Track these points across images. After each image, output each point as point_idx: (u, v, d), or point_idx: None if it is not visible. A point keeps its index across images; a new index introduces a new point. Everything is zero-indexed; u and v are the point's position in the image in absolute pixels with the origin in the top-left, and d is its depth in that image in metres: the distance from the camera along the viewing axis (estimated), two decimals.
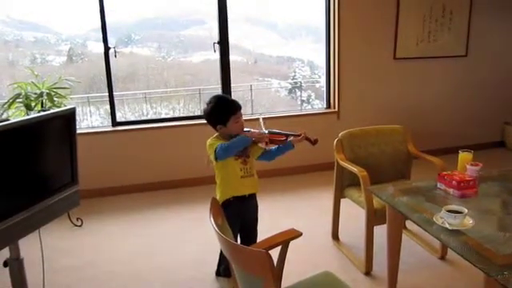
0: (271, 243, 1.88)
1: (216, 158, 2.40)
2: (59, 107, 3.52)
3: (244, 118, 2.56)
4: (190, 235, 3.51)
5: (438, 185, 2.34)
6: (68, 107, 1.98)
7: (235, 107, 2.48)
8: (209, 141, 2.49)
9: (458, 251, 1.73)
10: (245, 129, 2.51)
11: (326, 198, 3.60)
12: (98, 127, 4.64)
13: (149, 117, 5.97)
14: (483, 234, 1.83)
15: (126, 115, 5.89)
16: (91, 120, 5.74)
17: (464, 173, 2.34)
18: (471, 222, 1.88)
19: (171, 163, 4.52)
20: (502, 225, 2.00)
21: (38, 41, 6.13)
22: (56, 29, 6.20)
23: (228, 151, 2.39)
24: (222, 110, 2.47)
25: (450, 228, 1.84)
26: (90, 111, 5.77)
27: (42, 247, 2.12)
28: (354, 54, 4.82)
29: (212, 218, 1.57)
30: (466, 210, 1.88)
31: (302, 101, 7.26)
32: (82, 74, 5.78)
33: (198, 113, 5.81)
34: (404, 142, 3.23)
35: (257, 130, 2.52)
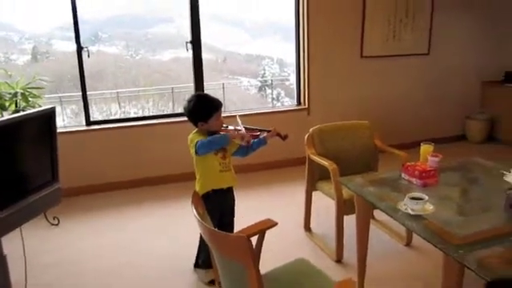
0: (248, 233, 1.96)
1: (196, 153, 2.50)
2: (33, 107, 3.52)
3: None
4: (167, 230, 3.57)
5: (403, 175, 2.50)
6: (48, 107, 2.03)
7: (217, 105, 2.59)
8: (190, 136, 2.58)
9: (421, 234, 1.88)
10: (223, 125, 2.62)
11: (298, 192, 3.73)
12: (71, 126, 4.61)
13: (117, 116, 5.96)
14: (443, 218, 1.99)
15: (94, 115, 5.87)
16: (58, 120, 5.68)
17: (425, 163, 2.51)
18: (432, 207, 2.04)
19: (146, 161, 4.55)
20: (460, 210, 2.19)
21: (0, 39, 6.01)
22: (19, 27, 6.10)
23: (208, 147, 2.50)
24: (205, 107, 2.56)
25: (412, 213, 1.99)
26: (62, 111, 5.73)
27: (23, 245, 2.16)
28: (323, 52, 4.97)
29: (193, 208, 1.67)
30: (426, 197, 2.04)
31: (272, 98, 7.39)
32: (47, 73, 5.71)
33: (169, 112, 5.87)
34: (371, 137, 3.39)
35: (232, 127, 2.64)
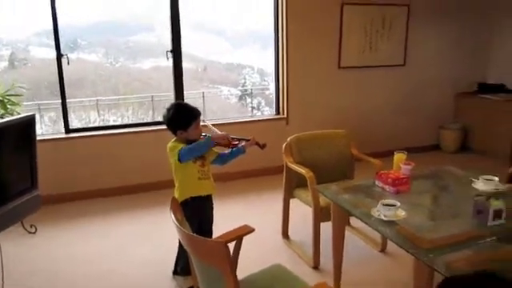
0: (226, 239, 2.00)
1: (179, 160, 2.53)
2: (12, 114, 3.49)
3: None
4: (147, 238, 3.57)
5: (376, 182, 2.58)
6: (27, 114, 2.04)
7: (196, 113, 2.64)
8: (169, 144, 2.62)
9: (393, 239, 1.96)
10: (202, 134, 2.66)
11: (276, 200, 3.77)
12: (50, 134, 4.58)
13: (96, 124, 5.92)
14: (414, 223, 2.07)
15: (73, 123, 5.82)
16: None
17: (399, 171, 2.60)
18: (404, 213, 2.12)
19: (126, 169, 4.54)
20: (430, 215, 2.27)
21: None
22: None
23: (192, 152, 2.53)
24: (184, 116, 2.61)
25: (385, 219, 2.06)
26: (40, 119, 5.65)
27: (1, 253, 2.15)
28: (302, 62, 5.07)
29: (172, 214, 1.70)
30: (398, 203, 2.12)
31: (253, 107, 7.44)
32: (24, 80, 5.66)
33: (149, 120, 5.86)
34: (347, 146, 3.47)
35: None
